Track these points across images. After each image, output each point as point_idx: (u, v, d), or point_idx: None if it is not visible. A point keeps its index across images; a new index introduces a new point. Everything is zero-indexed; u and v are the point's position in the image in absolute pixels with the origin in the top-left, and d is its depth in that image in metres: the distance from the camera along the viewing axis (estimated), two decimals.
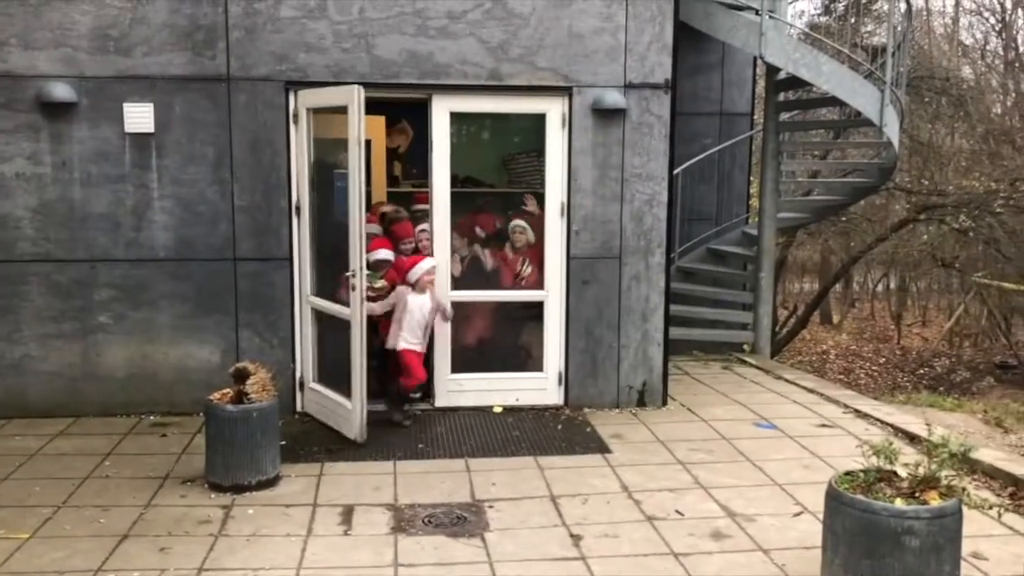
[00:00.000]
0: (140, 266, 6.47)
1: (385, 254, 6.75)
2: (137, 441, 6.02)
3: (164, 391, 6.53)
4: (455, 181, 7.07)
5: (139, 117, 6.31)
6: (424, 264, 6.40)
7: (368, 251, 6.24)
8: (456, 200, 6.82)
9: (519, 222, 7.21)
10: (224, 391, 5.25)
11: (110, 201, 6.39)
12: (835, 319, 23.37)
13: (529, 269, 7.03)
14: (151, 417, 6.50)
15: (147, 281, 6.48)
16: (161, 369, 6.54)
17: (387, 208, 7.41)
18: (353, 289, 5.82)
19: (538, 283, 6.93)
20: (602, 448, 6.02)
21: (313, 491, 5.15)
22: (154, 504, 4.93)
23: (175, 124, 6.38)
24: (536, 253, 7.02)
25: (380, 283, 6.57)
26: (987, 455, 5.70)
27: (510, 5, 6.51)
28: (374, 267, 6.52)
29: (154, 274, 6.48)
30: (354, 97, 5.80)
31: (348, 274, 5.84)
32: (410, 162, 9.24)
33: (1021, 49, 23.64)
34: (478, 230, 7.37)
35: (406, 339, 6.37)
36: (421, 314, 6.39)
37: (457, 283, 6.86)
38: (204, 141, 6.41)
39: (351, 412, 5.98)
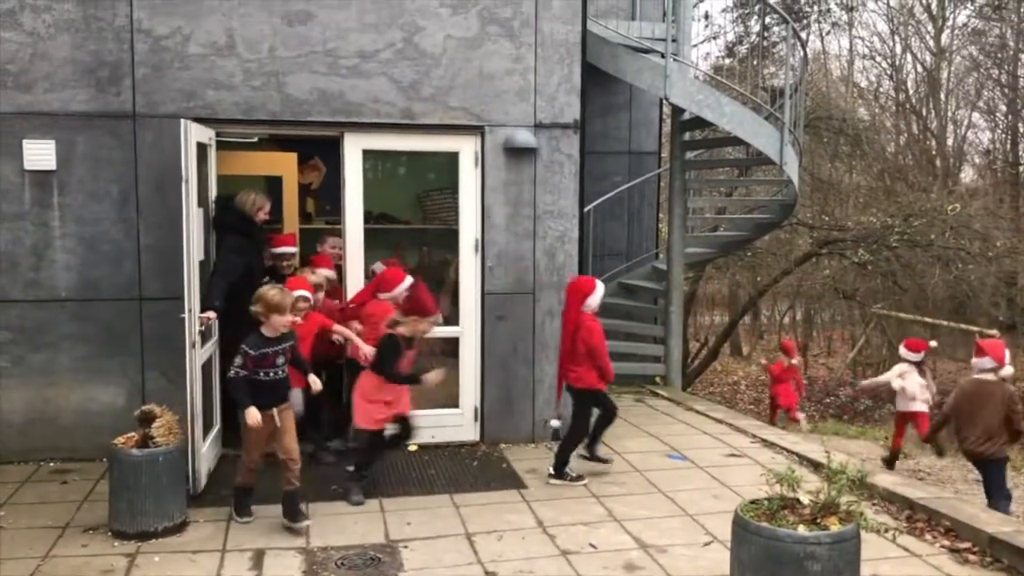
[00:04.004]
0: (40, 307, 6.25)
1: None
2: (35, 489, 5.78)
3: (65, 436, 6.29)
4: (369, 217, 7.07)
5: (40, 154, 6.15)
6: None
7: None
8: (369, 236, 6.83)
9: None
10: (129, 435, 5.10)
11: (8, 240, 6.17)
12: (745, 350, 23.98)
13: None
14: (51, 464, 6.25)
15: (48, 322, 6.27)
16: (62, 413, 6.31)
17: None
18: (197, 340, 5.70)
19: (452, 319, 6.96)
20: (517, 483, 6.04)
21: (222, 536, 5.03)
22: (53, 555, 4.74)
23: (78, 161, 6.23)
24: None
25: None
26: (885, 480, 5.93)
27: (421, 46, 6.59)
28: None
29: (56, 315, 6.27)
30: (180, 133, 5.60)
31: (181, 316, 5.63)
32: (323, 198, 9.20)
33: (911, 92, 24.96)
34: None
35: None
36: None
37: None
38: (109, 179, 6.27)
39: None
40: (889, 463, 8.77)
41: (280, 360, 5.18)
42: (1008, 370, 6.88)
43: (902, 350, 9.07)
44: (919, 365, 8.91)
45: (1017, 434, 6.63)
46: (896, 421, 9.27)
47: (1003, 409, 6.56)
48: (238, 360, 5.04)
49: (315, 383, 5.44)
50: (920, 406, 8.78)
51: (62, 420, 6.31)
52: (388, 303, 6.20)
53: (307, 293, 6.24)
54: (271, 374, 5.13)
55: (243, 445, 5.22)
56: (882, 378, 9.56)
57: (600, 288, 6.17)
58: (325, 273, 6.78)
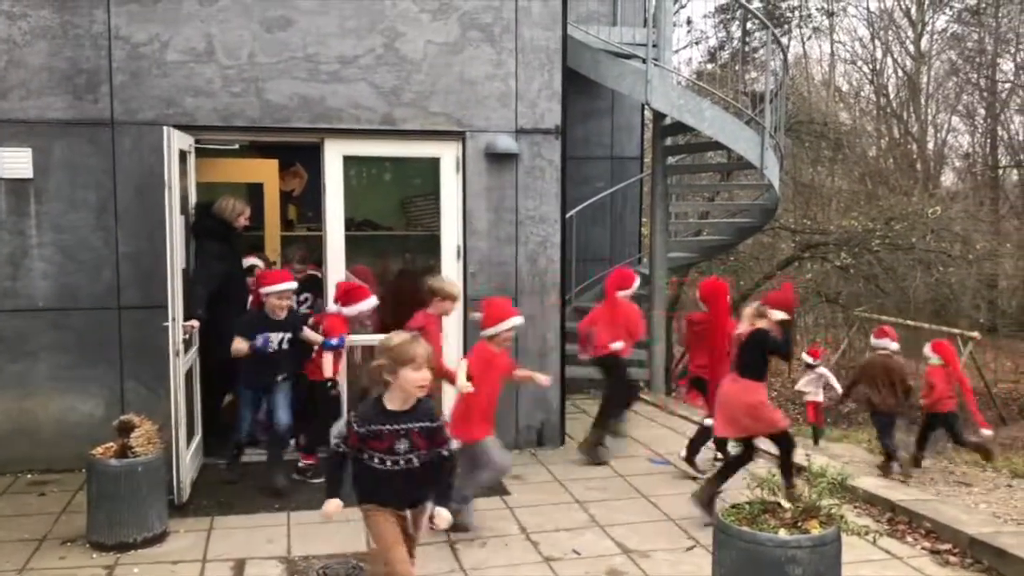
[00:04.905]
0: (18, 316, 6.19)
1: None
2: (12, 501, 5.72)
3: (44, 447, 6.22)
4: (351, 224, 7.04)
5: (16, 162, 6.09)
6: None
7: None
8: (351, 243, 6.79)
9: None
10: (108, 445, 5.04)
11: None
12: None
13: None
14: (29, 475, 6.18)
15: (26, 332, 6.20)
16: (41, 424, 6.25)
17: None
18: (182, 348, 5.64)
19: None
20: (501, 490, 6.01)
21: (203, 546, 4.98)
22: (30, 567, 4.68)
23: (56, 169, 6.18)
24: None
25: None
26: (867, 483, 5.95)
27: (402, 51, 6.58)
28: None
29: (33, 324, 6.21)
30: (163, 139, 5.56)
31: (165, 324, 5.55)
32: (305, 205, 9.17)
33: (892, 96, 25.15)
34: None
35: None
36: None
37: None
38: (87, 186, 6.22)
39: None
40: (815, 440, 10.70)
41: (403, 446, 3.52)
42: (896, 345, 8.65)
43: (804, 355, 11.25)
44: (815, 367, 10.89)
45: (909, 391, 8.47)
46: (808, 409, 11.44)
47: (902, 376, 8.35)
48: (343, 432, 3.66)
49: None
50: (820, 397, 10.58)
51: (40, 431, 6.24)
52: (629, 300, 6.66)
53: (519, 320, 5.28)
54: (388, 463, 3.53)
55: (371, 555, 3.85)
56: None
57: None
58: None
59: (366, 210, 8.39)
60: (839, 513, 3.89)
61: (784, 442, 5.46)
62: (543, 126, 6.90)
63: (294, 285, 6.04)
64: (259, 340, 5.83)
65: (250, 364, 5.91)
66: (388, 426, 3.51)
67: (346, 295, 6.15)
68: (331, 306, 6.26)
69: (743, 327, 5.52)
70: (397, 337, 3.63)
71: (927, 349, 8.50)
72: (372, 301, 6.17)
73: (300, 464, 6.21)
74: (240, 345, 5.79)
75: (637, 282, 6.95)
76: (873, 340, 8.63)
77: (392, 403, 3.55)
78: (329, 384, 6.13)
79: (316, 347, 6.08)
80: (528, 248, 6.96)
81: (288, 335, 5.96)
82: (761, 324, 5.38)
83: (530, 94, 6.85)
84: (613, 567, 4.73)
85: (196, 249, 6.31)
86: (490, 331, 5.23)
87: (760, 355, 5.39)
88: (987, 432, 8.48)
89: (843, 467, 5.99)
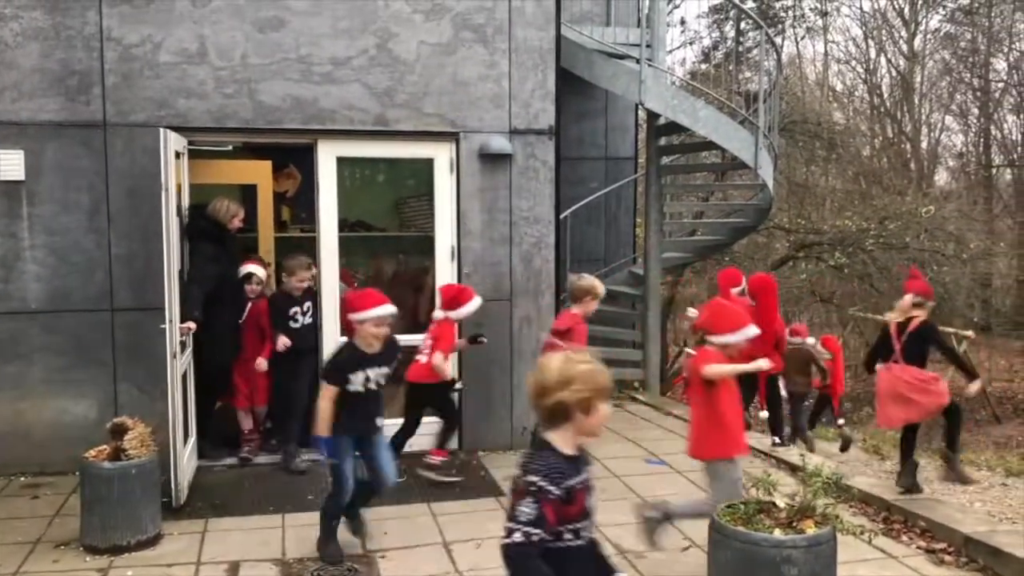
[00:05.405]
0: (10, 319, 6.17)
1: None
2: (6, 504, 5.69)
3: (37, 450, 6.19)
4: (345, 225, 7.02)
5: (8, 164, 6.07)
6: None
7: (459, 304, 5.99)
8: (345, 244, 6.78)
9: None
10: (101, 448, 5.03)
11: None
12: None
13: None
14: (22, 478, 6.15)
15: (18, 334, 6.18)
16: (34, 426, 6.22)
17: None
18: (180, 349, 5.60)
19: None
20: (496, 491, 6.01)
21: (197, 549, 4.97)
22: (23, 571, 4.66)
23: (48, 171, 6.15)
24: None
25: None
26: (862, 482, 5.95)
27: (395, 52, 6.57)
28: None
29: (26, 326, 6.19)
30: (159, 141, 5.52)
31: (162, 326, 5.53)
32: (298, 206, 9.14)
33: (885, 95, 25.20)
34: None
35: None
36: None
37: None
38: (79, 188, 6.20)
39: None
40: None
41: (592, 501, 2.70)
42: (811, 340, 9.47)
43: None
44: None
45: (825, 373, 9.19)
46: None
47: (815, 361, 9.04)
48: (527, 511, 2.48)
49: None
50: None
51: (34, 433, 6.22)
52: (738, 297, 7.02)
53: (756, 330, 4.60)
54: (581, 533, 2.66)
55: None
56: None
57: None
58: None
59: (360, 211, 8.36)
60: (834, 512, 3.89)
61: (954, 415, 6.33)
62: (537, 127, 6.89)
63: (393, 310, 4.79)
64: (357, 379, 4.69)
65: (347, 408, 4.69)
66: (578, 479, 2.60)
67: (453, 300, 6.01)
68: (438, 312, 6.07)
69: (899, 317, 6.03)
70: (579, 361, 2.59)
71: (819, 345, 9.46)
72: (477, 301, 6.08)
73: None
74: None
75: (744, 280, 7.51)
76: (789, 338, 8.89)
77: (569, 447, 2.61)
78: (455, 386, 6.12)
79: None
80: (522, 249, 6.95)
81: (385, 370, 4.81)
82: (920, 315, 5.93)
83: (523, 95, 6.84)
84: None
85: (190, 251, 6.29)
86: (725, 340, 4.46)
87: (926, 348, 5.95)
88: (840, 421, 9.61)
89: (838, 466, 6.00)
